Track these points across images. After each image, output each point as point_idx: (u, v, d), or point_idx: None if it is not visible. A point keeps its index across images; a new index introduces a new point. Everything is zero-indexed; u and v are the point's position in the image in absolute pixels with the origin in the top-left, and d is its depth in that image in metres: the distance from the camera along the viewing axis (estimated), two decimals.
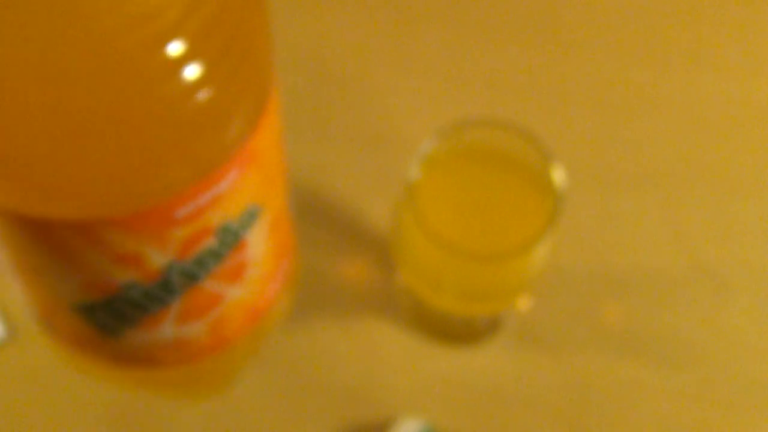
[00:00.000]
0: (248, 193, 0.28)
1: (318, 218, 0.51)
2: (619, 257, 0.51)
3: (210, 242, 0.27)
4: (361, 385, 0.48)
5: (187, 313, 0.30)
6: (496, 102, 0.56)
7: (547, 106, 0.56)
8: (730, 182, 0.53)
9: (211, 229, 0.27)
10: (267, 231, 0.31)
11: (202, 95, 0.23)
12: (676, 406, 0.47)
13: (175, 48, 0.22)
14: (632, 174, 0.54)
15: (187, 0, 0.22)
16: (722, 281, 0.51)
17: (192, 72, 0.22)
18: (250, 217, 0.29)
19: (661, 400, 0.48)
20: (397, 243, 0.43)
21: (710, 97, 0.56)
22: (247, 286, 0.31)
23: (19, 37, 0.20)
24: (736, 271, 0.51)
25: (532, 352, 0.49)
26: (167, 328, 0.30)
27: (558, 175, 0.39)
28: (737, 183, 0.53)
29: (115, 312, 0.28)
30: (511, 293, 0.41)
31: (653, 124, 0.55)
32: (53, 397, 0.48)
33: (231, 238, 0.28)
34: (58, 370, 0.48)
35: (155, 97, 0.22)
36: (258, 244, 0.30)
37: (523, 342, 0.49)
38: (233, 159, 0.25)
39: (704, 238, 0.52)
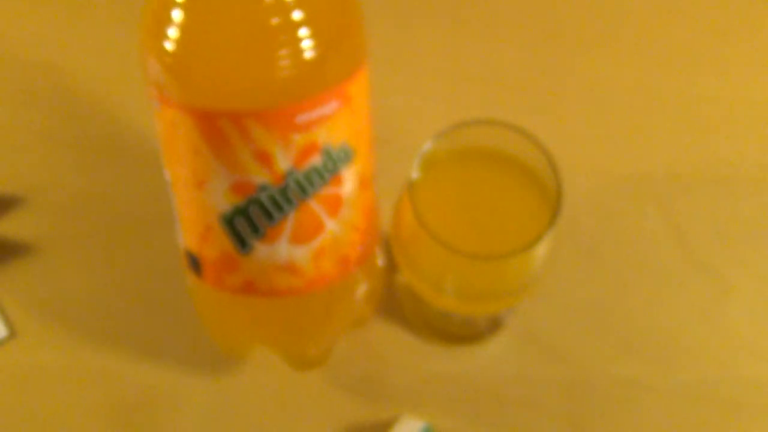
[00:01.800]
0: (344, 129, 0.38)
1: None
2: (619, 257, 0.51)
3: (316, 160, 0.37)
4: (361, 385, 0.48)
5: (297, 233, 0.39)
6: (495, 102, 0.56)
7: (546, 106, 0.56)
8: (730, 182, 0.53)
9: (318, 147, 0.37)
10: (357, 184, 0.40)
11: (311, 48, 0.35)
12: (676, 406, 0.47)
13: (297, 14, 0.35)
14: (632, 174, 0.54)
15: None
16: (722, 281, 0.51)
17: (309, 31, 0.35)
18: (345, 155, 0.38)
19: (661, 400, 0.48)
20: (398, 242, 0.42)
21: (710, 97, 0.56)
22: (341, 225, 0.40)
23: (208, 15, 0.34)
24: (736, 271, 0.51)
25: (533, 352, 0.49)
26: (283, 245, 0.39)
27: (559, 175, 0.39)
28: (737, 183, 0.53)
29: (249, 220, 0.38)
30: (512, 293, 0.41)
31: (653, 124, 0.55)
32: (53, 396, 0.48)
33: (331, 165, 0.38)
34: (58, 369, 0.48)
35: (287, 45, 0.35)
36: (350, 188, 0.39)
37: (524, 342, 0.49)
38: (334, 90, 0.36)
39: (704, 238, 0.52)
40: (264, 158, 0.36)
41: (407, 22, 0.59)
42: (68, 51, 0.58)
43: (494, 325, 0.49)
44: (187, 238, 0.41)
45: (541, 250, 0.38)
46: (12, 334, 0.49)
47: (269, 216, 0.38)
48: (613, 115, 0.56)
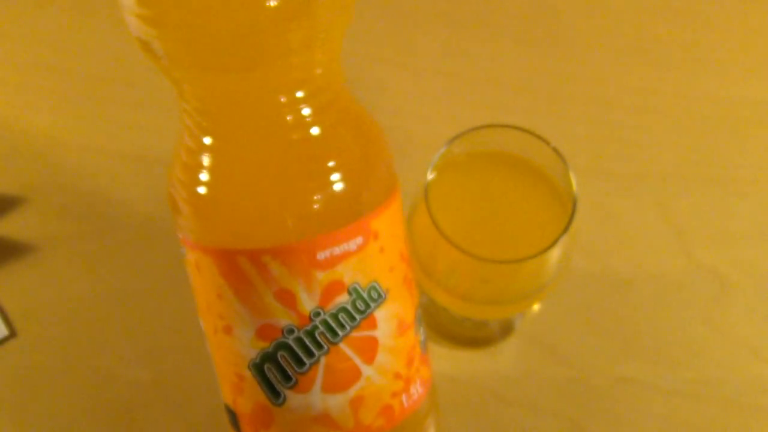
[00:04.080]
0: (372, 267, 0.36)
1: None
2: (620, 257, 0.51)
3: (344, 300, 0.35)
4: None
5: (330, 380, 0.36)
6: (495, 102, 0.56)
7: (547, 106, 0.56)
8: (730, 182, 0.54)
9: (344, 286, 0.35)
10: (395, 327, 0.37)
11: (333, 183, 0.34)
12: (676, 406, 0.48)
13: (321, 151, 0.34)
14: (632, 174, 0.54)
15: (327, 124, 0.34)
16: (722, 281, 0.51)
17: (330, 164, 0.34)
18: (377, 295, 0.36)
19: (662, 400, 0.48)
20: (412, 246, 0.42)
21: (710, 97, 0.57)
22: (380, 373, 0.37)
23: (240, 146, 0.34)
24: (736, 271, 0.51)
25: (536, 353, 0.49)
26: (316, 394, 0.36)
27: (574, 179, 0.39)
28: (737, 183, 0.54)
29: (279, 366, 0.36)
30: (527, 297, 0.41)
31: (653, 124, 0.56)
32: (53, 396, 0.48)
33: (362, 305, 0.36)
34: (58, 369, 0.48)
35: (306, 179, 0.34)
36: (386, 331, 0.37)
37: (529, 343, 0.49)
38: (357, 226, 0.35)
39: (704, 238, 0.52)
40: (287, 298, 0.35)
41: (411, 23, 0.59)
42: (68, 51, 0.57)
43: (506, 328, 0.49)
44: (224, 390, 0.40)
45: (556, 253, 0.38)
46: (12, 334, 0.49)
47: (299, 361, 0.36)
48: (613, 115, 0.56)
